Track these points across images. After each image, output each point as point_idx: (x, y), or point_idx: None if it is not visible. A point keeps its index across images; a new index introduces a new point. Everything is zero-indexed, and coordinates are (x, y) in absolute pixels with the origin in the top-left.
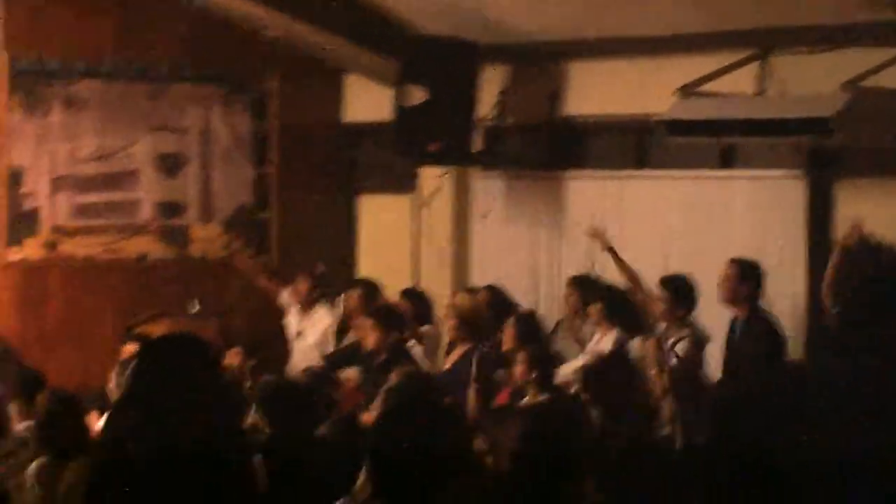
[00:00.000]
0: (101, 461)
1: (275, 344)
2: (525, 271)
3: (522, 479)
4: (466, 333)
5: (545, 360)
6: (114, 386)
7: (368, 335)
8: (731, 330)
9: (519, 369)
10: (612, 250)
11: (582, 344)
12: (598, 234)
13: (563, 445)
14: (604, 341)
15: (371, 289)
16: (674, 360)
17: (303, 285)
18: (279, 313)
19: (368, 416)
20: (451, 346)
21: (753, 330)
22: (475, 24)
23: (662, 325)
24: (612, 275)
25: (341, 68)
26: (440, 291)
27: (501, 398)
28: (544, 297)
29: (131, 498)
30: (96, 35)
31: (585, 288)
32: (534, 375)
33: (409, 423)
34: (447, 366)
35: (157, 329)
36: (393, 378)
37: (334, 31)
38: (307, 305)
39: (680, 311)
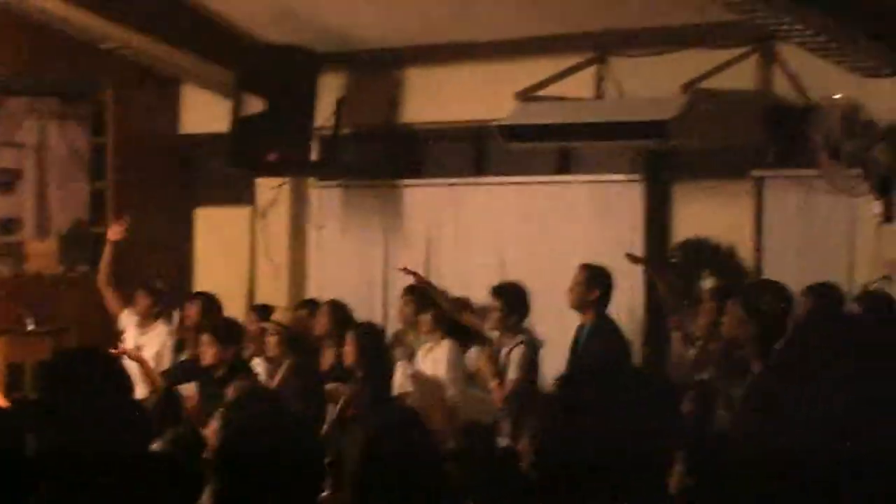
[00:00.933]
0: None
1: None
2: (363, 282)
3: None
4: (289, 349)
5: (382, 375)
6: None
7: (206, 350)
8: (577, 336)
9: (358, 385)
10: (425, 282)
11: (411, 354)
12: (411, 275)
13: (408, 460)
14: (435, 351)
15: (210, 303)
16: (511, 371)
17: (142, 300)
18: (115, 329)
19: (208, 431)
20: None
21: (599, 336)
22: (313, 32)
23: (496, 334)
24: (447, 284)
25: (178, 79)
26: (278, 303)
27: (345, 411)
28: (382, 308)
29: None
30: None
31: (420, 298)
32: (370, 390)
33: (254, 438)
34: (275, 383)
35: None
36: (231, 393)
37: (170, 42)
38: (146, 321)
39: (512, 318)
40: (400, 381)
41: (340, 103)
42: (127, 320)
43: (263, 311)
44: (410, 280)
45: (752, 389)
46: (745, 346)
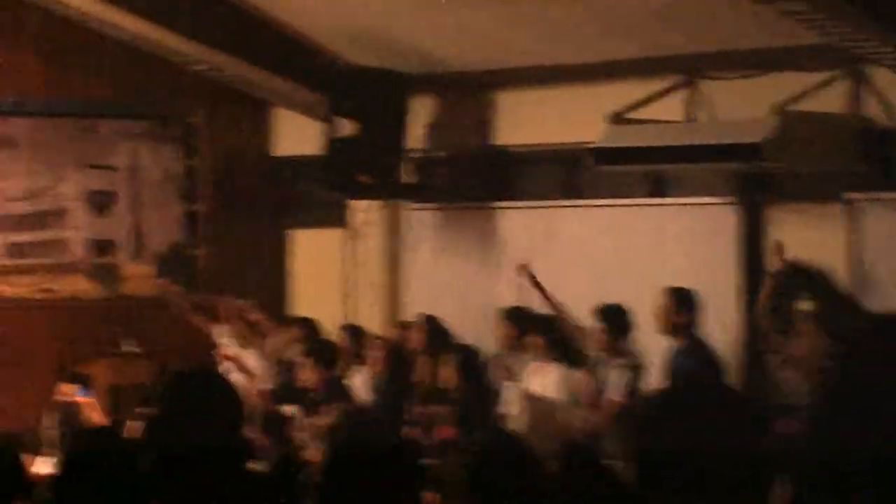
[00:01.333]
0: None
1: None
2: (457, 304)
3: None
4: (390, 365)
5: (481, 397)
6: (49, 426)
7: (306, 373)
8: (671, 359)
9: (456, 408)
10: (538, 285)
11: (513, 377)
12: (524, 271)
13: (511, 481)
14: (543, 375)
15: (310, 325)
16: (612, 392)
17: (238, 323)
18: (211, 349)
19: (309, 452)
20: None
21: (690, 358)
22: (402, 55)
23: (599, 356)
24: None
25: (270, 102)
26: (373, 325)
27: (445, 432)
28: (476, 330)
29: None
30: (24, 73)
31: (518, 321)
32: (470, 413)
33: (358, 460)
34: (374, 397)
35: (94, 369)
36: (331, 415)
37: (262, 65)
38: (244, 341)
39: (616, 340)
40: (508, 401)
41: (432, 126)
42: (224, 340)
43: (354, 332)
44: (505, 303)
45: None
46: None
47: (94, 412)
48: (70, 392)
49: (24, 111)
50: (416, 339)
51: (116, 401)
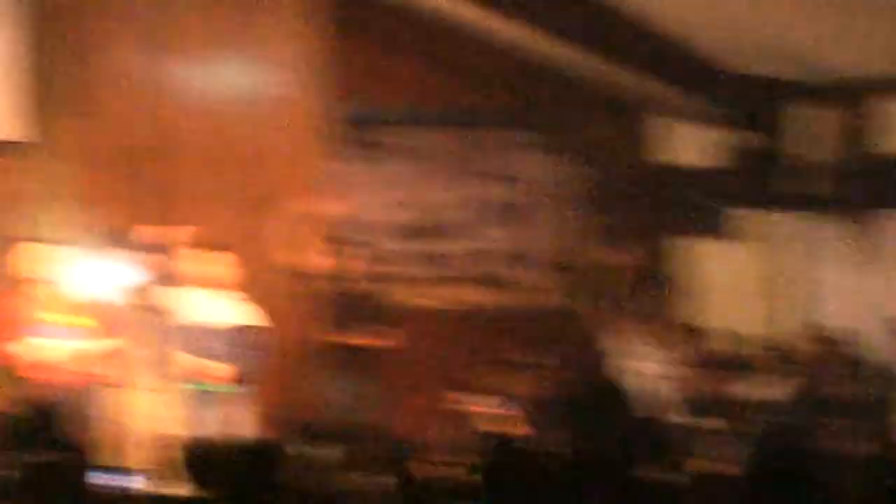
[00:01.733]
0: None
1: None
2: (863, 314)
3: None
4: (806, 378)
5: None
6: (445, 435)
7: (708, 382)
8: None
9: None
10: None
11: None
12: None
13: None
14: None
15: (710, 335)
16: None
17: (656, 328)
18: (609, 358)
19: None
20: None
21: None
22: (784, 62)
23: None
24: None
25: (652, 109)
26: (773, 336)
27: (855, 446)
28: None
29: None
30: (416, 83)
31: None
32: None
33: (779, 472)
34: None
35: (491, 379)
36: (740, 426)
37: (652, 75)
38: (661, 343)
39: None
40: None
41: (833, 135)
42: (631, 347)
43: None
44: None
45: None
46: None
47: (499, 423)
48: (466, 402)
49: (416, 121)
50: (826, 351)
51: (515, 411)
